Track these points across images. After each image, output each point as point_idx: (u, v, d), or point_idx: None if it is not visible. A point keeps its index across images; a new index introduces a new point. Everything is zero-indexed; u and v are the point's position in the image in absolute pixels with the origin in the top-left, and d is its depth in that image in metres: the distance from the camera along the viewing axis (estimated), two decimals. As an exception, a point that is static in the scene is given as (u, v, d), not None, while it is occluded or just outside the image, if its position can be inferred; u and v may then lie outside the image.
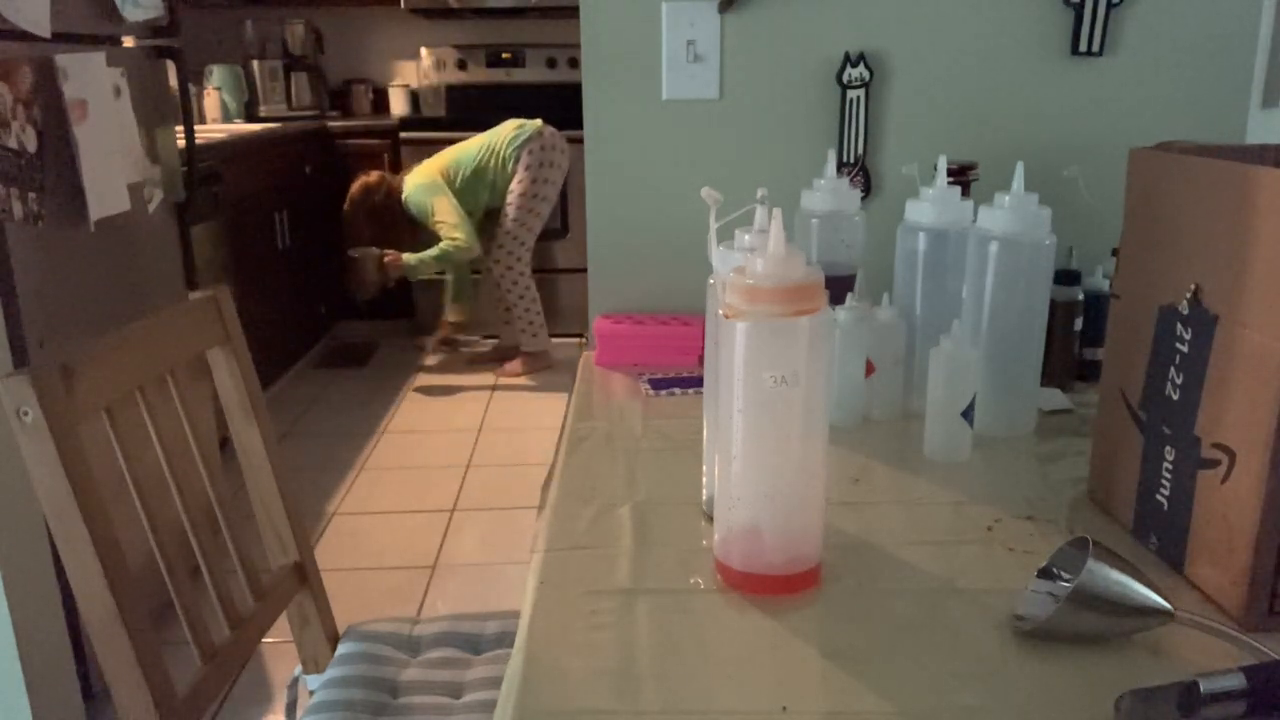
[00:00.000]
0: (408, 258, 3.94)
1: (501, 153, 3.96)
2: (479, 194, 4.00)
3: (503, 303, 4.22)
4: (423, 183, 3.97)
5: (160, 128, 2.44)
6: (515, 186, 3.95)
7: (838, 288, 1.12)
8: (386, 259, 3.94)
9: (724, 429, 0.85)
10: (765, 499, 0.85)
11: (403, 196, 3.98)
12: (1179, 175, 0.88)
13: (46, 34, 1.91)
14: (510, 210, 3.98)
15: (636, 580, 0.89)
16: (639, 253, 1.57)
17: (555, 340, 4.68)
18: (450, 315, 4.39)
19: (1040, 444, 1.18)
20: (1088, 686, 0.73)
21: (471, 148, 4.00)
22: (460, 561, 2.71)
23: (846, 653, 0.79)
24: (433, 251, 3.93)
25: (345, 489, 3.16)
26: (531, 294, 4.17)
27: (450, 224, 3.91)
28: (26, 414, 0.92)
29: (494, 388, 4.10)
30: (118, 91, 2.17)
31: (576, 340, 4.65)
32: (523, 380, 4.20)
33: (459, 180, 3.97)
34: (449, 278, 4.32)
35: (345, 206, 4.06)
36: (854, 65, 1.49)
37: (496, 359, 4.38)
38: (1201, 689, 0.67)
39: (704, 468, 1.01)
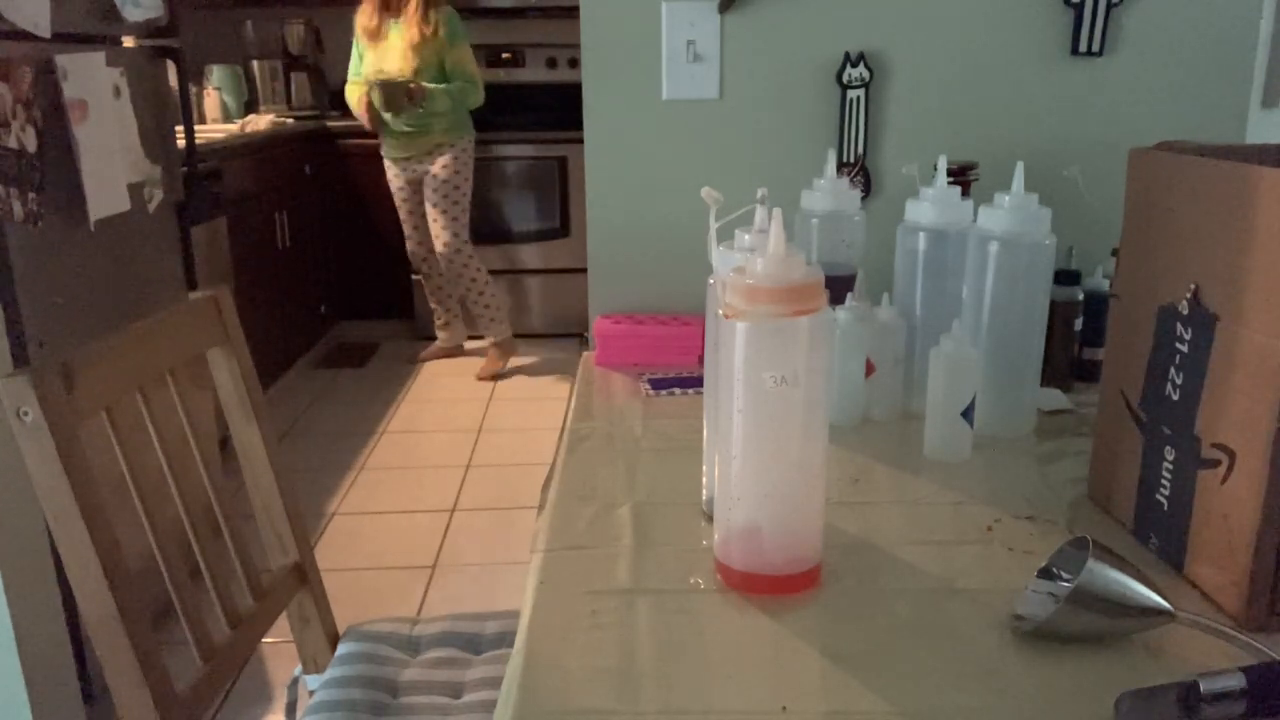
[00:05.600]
0: (431, 87, 3.88)
1: None
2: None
3: (446, 299, 4.33)
4: (459, 24, 3.95)
5: (160, 128, 2.44)
6: (440, 172, 4.02)
7: (838, 288, 1.12)
8: (413, 86, 3.87)
9: (724, 429, 0.85)
10: (765, 499, 0.85)
11: (446, 9, 3.91)
12: (1179, 175, 0.88)
13: (46, 34, 1.91)
14: (451, 191, 4.05)
15: (636, 580, 0.89)
16: (639, 253, 1.57)
17: (555, 340, 4.69)
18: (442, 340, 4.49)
19: (1040, 444, 1.18)
20: (1088, 686, 0.73)
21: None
22: (460, 561, 2.71)
23: (846, 653, 0.79)
24: (453, 86, 3.90)
25: (345, 489, 3.16)
26: (485, 276, 4.19)
27: (474, 70, 3.95)
28: (26, 414, 0.92)
29: (494, 388, 4.10)
30: (118, 91, 2.17)
31: (576, 340, 4.65)
32: (523, 380, 4.20)
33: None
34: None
35: None
36: (854, 65, 1.49)
37: (441, 356, 4.46)
38: (1201, 689, 0.67)
39: (704, 468, 1.01)
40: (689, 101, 1.52)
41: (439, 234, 4.07)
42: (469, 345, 4.54)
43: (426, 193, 4.06)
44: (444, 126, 3.97)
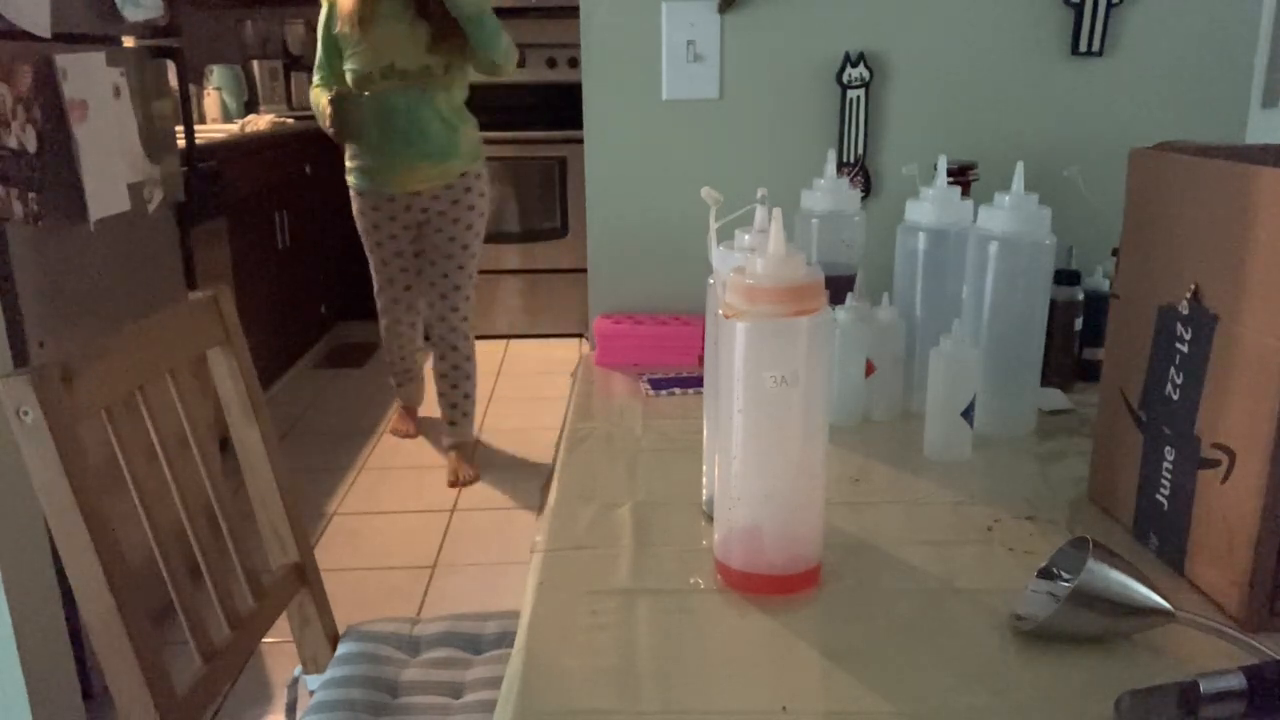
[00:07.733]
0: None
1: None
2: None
3: (444, 375, 3.21)
4: None
5: (160, 128, 2.44)
6: (463, 214, 3.04)
7: (838, 288, 1.12)
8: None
9: (724, 429, 0.85)
10: (765, 499, 0.85)
11: None
12: (1179, 175, 0.88)
13: (46, 34, 1.91)
14: (472, 241, 3.09)
15: (636, 580, 0.89)
16: (639, 253, 1.57)
17: (555, 340, 4.69)
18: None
19: (1040, 444, 1.18)
20: (1088, 686, 0.73)
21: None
22: (460, 561, 2.71)
23: (846, 653, 0.79)
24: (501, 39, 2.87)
25: (345, 489, 3.16)
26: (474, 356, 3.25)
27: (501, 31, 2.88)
28: (26, 414, 0.92)
29: (494, 387, 4.10)
30: (118, 91, 2.17)
31: (576, 340, 4.65)
32: (522, 381, 4.19)
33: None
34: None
35: None
36: (854, 65, 1.49)
37: (407, 433, 3.55)
38: (1201, 689, 0.67)
39: (704, 468, 1.01)
40: (689, 101, 1.52)
41: (448, 294, 3.08)
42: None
43: (436, 239, 3.03)
44: (470, 150, 3.00)
